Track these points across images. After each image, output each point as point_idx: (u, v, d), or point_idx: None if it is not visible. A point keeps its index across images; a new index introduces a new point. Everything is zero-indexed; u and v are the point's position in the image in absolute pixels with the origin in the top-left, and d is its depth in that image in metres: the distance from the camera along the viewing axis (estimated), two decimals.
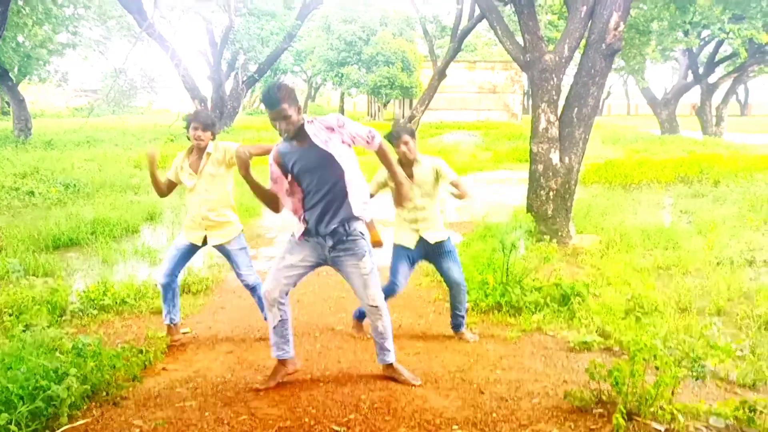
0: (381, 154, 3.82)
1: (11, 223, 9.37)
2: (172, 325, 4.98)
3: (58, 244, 8.39)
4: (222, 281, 6.98)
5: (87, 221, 9.24)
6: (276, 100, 3.53)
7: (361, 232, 3.84)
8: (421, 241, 4.84)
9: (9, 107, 29.70)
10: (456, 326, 5.09)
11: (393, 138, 4.76)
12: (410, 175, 4.75)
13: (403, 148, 4.71)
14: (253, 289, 4.98)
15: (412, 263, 4.95)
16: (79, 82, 58.01)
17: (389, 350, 4.04)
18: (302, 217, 3.87)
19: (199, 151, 4.84)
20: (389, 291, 4.69)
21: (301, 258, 3.90)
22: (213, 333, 5.26)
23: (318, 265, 3.98)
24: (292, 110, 3.59)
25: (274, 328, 4.00)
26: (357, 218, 3.82)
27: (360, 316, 5.14)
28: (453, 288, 4.96)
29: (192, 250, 4.94)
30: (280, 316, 3.97)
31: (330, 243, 3.83)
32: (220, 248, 4.92)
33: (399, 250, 4.89)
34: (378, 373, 4.22)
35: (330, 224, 3.78)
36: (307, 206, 3.84)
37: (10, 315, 5.35)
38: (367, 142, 3.77)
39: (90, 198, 11.88)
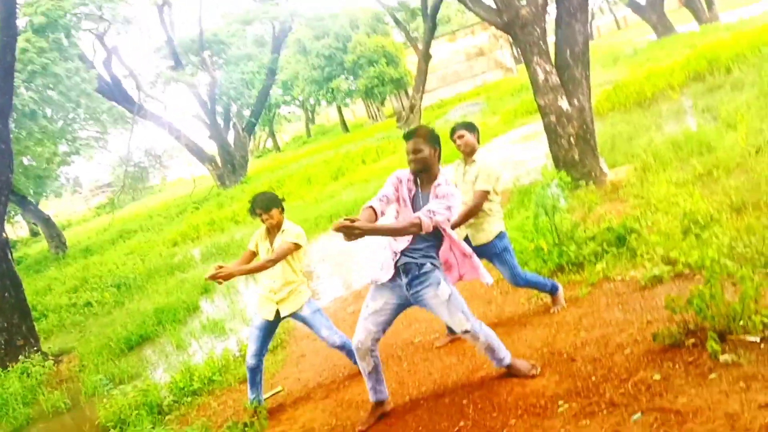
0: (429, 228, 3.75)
1: (82, 339, 9.70)
2: (259, 403, 5.05)
3: (131, 345, 8.66)
4: (293, 329, 7.13)
5: (149, 314, 9.51)
6: (412, 134, 3.84)
7: (432, 264, 3.87)
8: (466, 239, 4.93)
9: (37, 227, 30.53)
10: (551, 290, 5.06)
11: (451, 134, 4.94)
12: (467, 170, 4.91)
13: (458, 141, 4.87)
14: (341, 348, 5.01)
15: None
16: (93, 181, 59.36)
17: (503, 357, 4.00)
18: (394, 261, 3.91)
19: (273, 228, 4.96)
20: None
21: (384, 302, 3.94)
22: (303, 383, 5.41)
23: (402, 306, 4.00)
24: (427, 148, 3.81)
25: (369, 374, 4.06)
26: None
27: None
28: (515, 283, 5.00)
29: (271, 326, 5.01)
30: (374, 363, 4.03)
31: (405, 281, 3.87)
32: (295, 316, 5.00)
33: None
34: (470, 374, 4.30)
35: (408, 270, 3.86)
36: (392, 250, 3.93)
37: (114, 427, 5.56)
38: (439, 218, 3.71)
39: (143, 290, 12.19)
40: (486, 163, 4.88)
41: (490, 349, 3.94)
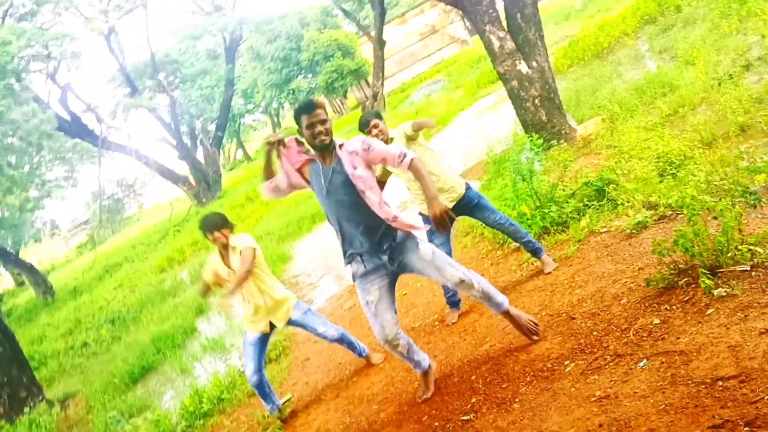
0: (414, 171, 3.70)
1: (86, 380, 9.61)
2: (278, 410, 5.09)
3: (135, 378, 8.60)
4: (294, 334, 7.12)
5: (148, 344, 9.46)
6: (312, 105, 3.64)
7: (403, 232, 3.84)
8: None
9: (21, 276, 30.16)
10: (534, 252, 5.11)
11: (363, 127, 4.85)
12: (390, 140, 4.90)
13: (374, 132, 4.78)
14: (341, 341, 5.08)
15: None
16: (69, 221, 58.69)
17: (500, 301, 3.96)
18: (350, 256, 3.88)
19: (224, 249, 4.93)
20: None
21: (377, 288, 3.87)
22: (312, 386, 5.40)
23: (394, 281, 3.95)
24: (327, 117, 3.68)
25: (406, 356, 4.02)
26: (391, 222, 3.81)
27: (452, 303, 5.19)
28: (501, 228, 5.05)
29: (264, 339, 5.02)
30: (405, 343, 3.98)
31: (386, 258, 3.81)
32: (289, 323, 5.04)
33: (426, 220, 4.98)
34: (474, 350, 4.32)
35: (382, 244, 3.80)
36: (349, 238, 3.85)
37: None
38: (399, 162, 3.70)
39: (138, 321, 12.11)
40: (399, 127, 4.98)
41: (487, 296, 3.90)
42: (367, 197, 3.70)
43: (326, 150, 3.72)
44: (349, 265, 3.93)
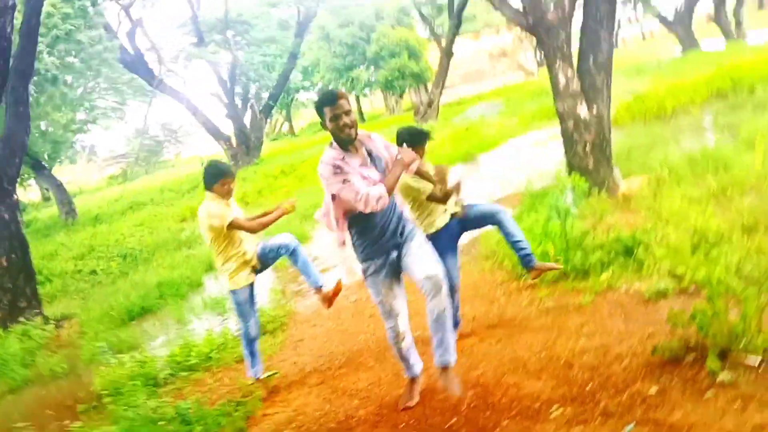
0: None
1: (84, 307, 9.76)
2: (255, 379, 5.16)
3: (132, 316, 8.70)
4: (294, 314, 7.15)
5: (152, 287, 9.56)
6: (334, 95, 3.55)
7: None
8: (452, 218, 4.79)
9: (49, 192, 30.75)
10: (526, 260, 4.98)
11: (413, 143, 4.53)
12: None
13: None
14: (294, 252, 5.20)
15: (455, 244, 4.88)
16: (108, 151, 59.57)
17: (447, 349, 3.74)
18: (367, 253, 3.87)
19: (228, 198, 5.02)
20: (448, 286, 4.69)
21: (389, 284, 3.85)
22: (300, 368, 5.42)
23: (399, 274, 3.91)
24: (351, 107, 3.60)
25: (402, 355, 4.04)
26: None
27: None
28: (495, 219, 4.91)
29: (252, 290, 5.14)
30: (409, 345, 4.03)
31: (396, 254, 3.80)
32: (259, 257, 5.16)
33: (441, 238, 4.70)
34: (466, 373, 4.30)
35: (397, 238, 3.81)
36: (372, 233, 3.78)
37: (109, 395, 5.59)
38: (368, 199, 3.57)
39: (148, 263, 12.25)
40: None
41: (441, 320, 3.68)
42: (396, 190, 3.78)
43: (352, 143, 3.62)
44: (364, 263, 3.90)
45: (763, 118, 10.16)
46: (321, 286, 5.24)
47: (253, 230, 5.00)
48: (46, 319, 9.17)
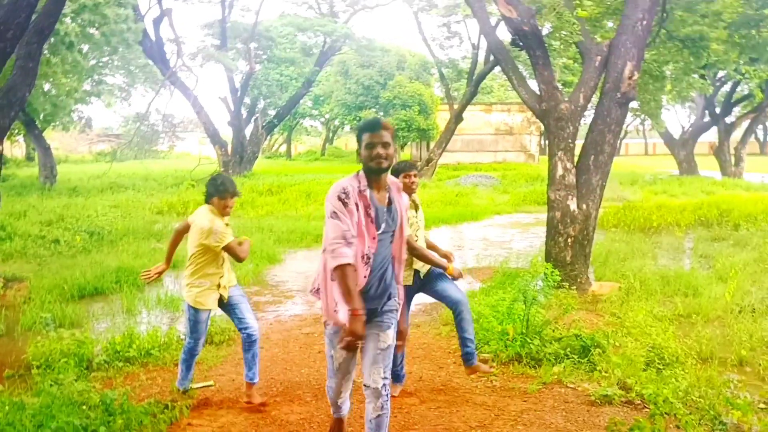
0: (412, 250, 3.69)
1: (38, 273, 9.57)
2: (182, 390, 5.00)
3: (83, 294, 8.54)
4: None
5: (111, 270, 9.41)
6: (378, 124, 3.34)
7: (398, 302, 3.58)
8: (416, 275, 4.86)
9: (34, 152, 30.45)
10: (467, 357, 4.91)
11: (398, 172, 4.63)
12: (416, 208, 4.89)
13: (409, 181, 4.67)
14: (254, 342, 4.85)
15: (410, 301, 5.02)
16: (102, 127, 59.34)
17: None
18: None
19: (225, 215, 4.82)
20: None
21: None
22: (236, 386, 5.32)
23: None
24: (392, 143, 3.35)
25: (334, 402, 3.85)
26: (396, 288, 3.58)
27: (395, 376, 4.86)
28: (456, 308, 4.87)
29: (210, 313, 5.00)
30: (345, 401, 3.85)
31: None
32: (228, 299, 4.91)
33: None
34: (399, 430, 4.25)
35: (382, 295, 3.47)
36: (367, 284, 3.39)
37: (38, 367, 5.45)
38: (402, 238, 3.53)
39: (114, 246, 12.08)
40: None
41: (377, 426, 3.42)
42: (404, 246, 3.54)
43: (379, 177, 3.35)
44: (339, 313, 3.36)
45: (741, 254, 10.38)
46: (254, 383, 4.89)
47: (240, 259, 4.81)
48: None
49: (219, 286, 4.83)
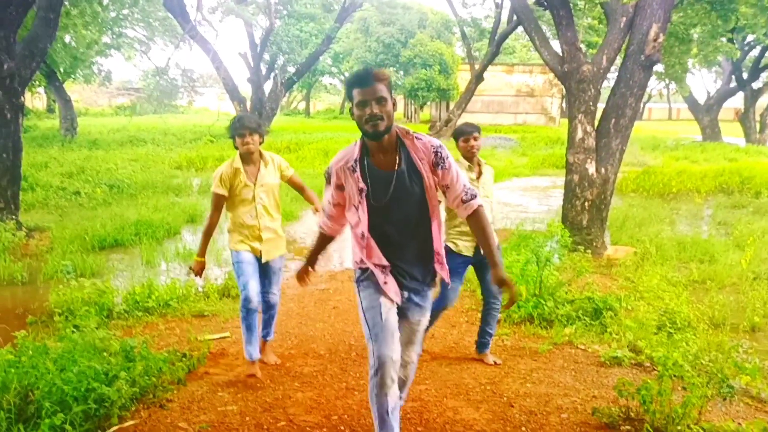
0: (474, 222, 2.98)
1: (59, 224, 9.74)
2: (252, 361, 4.48)
3: (103, 245, 8.69)
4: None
5: (131, 223, 9.56)
6: (368, 76, 2.78)
7: (432, 279, 3.15)
8: (477, 249, 4.64)
9: (55, 104, 30.61)
10: (482, 345, 4.90)
11: (459, 134, 4.64)
12: (478, 174, 4.71)
13: (471, 144, 4.61)
14: (273, 307, 4.72)
15: (463, 273, 4.76)
16: (122, 81, 59.37)
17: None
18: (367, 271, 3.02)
19: (250, 158, 4.42)
20: (442, 305, 4.58)
21: (389, 305, 3.01)
22: None
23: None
24: (389, 96, 2.81)
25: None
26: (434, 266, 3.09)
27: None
28: (490, 302, 4.80)
29: (259, 264, 4.49)
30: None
31: (406, 295, 3.06)
32: (265, 264, 4.53)
33: (456, 258, 4.58)
34: (412, 386, 4.34)
35: (416, 281, 3.06)
36: (385, 245, 2.98)
37: (60, 314, 5.60)
38: (462, 202, 2.95)
39: (133, 199, 12.24)
40: (490, 169, 4.82)
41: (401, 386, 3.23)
42: (435, 216, 2.96)
43: (380, 140, 2.82)
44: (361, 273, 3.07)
45: (760, 222, 10.29)
46: (268, 340, 4.80)
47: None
48: (20, 225, 9.14)
49: (250, 237, 4.44)
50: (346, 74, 43.49)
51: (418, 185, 2.87)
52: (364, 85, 2.75)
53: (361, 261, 3.03)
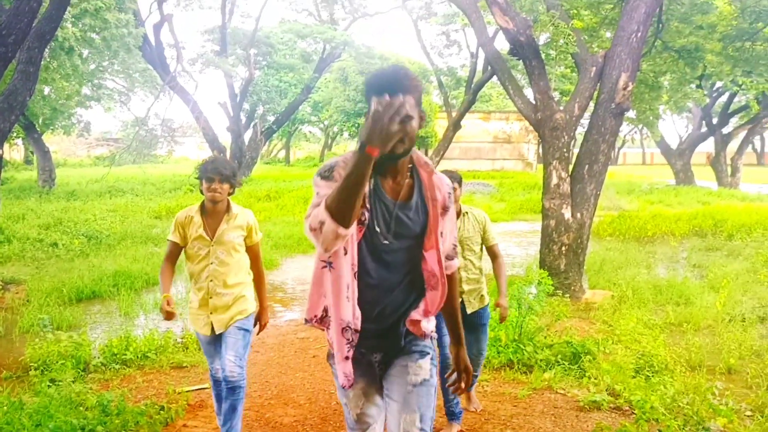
0: (449, 287, 2.51)
1: (36, 276, 9.65)
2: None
3: (81, 297, 8.61)
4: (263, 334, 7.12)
5: (109, 274, 9.49)
6: (398, 84, 2.20)
7: (432, 332, 2.55)
8: (463, 305, 4.32)
9: (33, 156, 30.54)
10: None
11: None
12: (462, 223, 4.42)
13: (456, 192, 4.26)
14: (234, 391, 3.81)
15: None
16: (101, 132, 59.48)
17: None
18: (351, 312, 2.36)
19: (214, 208, 3.86)
20: (442, 363, 4.07)
21: (364, 387, 2.50)
22: None
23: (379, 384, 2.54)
24: (416, 113, 2.28)
25: None
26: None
27: (450, 414, 4.38)
28: (473, 355, 4.33)
29: (219, 338, 3.91)
30: None
31: (380, 356, 2.50)
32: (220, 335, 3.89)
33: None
34: None
35: (391, 317, 2.45)
36: (366, 288, 2.38)
37: (36, 368, 5.52)
38: (446, 257, 2.52)
39: (112, 250, 12.16)
40: (479, 211, 4.54)
41: None
42: (440, 258, 2.45)
43: (395, 164, 2.35)
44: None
45: (733, 264, 10.47)
46: None
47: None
48: None
49: (203, 304, 3.88)
50: (326, 123, 44.03)
51: (421, 225, 2.40)
52: (385, 92, 2.10)
53: (318, 319, 2.48)
